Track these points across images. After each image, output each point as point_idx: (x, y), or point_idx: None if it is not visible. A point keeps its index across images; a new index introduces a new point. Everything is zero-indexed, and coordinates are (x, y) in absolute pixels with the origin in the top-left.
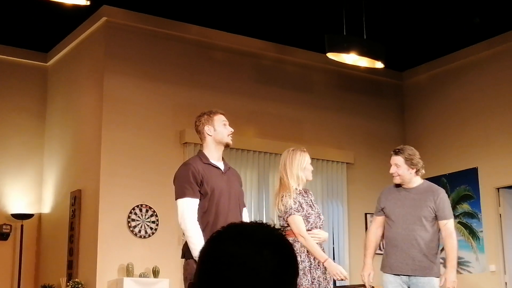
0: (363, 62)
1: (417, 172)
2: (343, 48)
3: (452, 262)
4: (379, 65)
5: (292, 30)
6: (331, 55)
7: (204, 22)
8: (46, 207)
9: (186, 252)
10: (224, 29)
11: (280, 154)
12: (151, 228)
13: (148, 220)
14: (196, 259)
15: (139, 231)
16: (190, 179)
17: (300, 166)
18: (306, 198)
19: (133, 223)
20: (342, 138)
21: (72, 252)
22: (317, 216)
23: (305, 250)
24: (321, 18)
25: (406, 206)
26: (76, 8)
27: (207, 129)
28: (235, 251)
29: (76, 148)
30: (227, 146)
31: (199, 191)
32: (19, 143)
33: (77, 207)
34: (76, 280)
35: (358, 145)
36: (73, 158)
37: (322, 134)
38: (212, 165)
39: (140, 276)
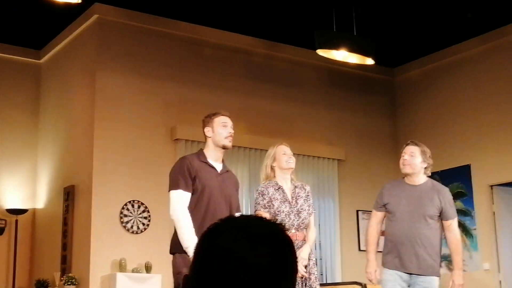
0: (353, 58)
1: (425, 169)
2: (333, 44)
3: (459, 264)
4: (369, 61)
5: (282, 27)
6: (321, 52)
7: (194, 19)
8: (40, 203)
9: (173, 246)
10: (214, 26)
11: None
12: (143, 224)
13: (140, 216)
14: (186, 250)
15: (131, 227)
16: (184, 172)
17: (268, 156)
18: (284, 194)
19: (125, 219)
20: (333, 134)
21: (65, 247)
22: (289, 214)
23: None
24: (311, 15)
25: (411, 203)
26: (69, 5)
27: (207, 130)
28: (231, 245)
29: (69, 144)
30: (224, 148)
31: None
32: (13, 139)
33: (70, 202)
34: (70, 274)
35: (349, 141)
36: (66, 154)
37: (313, 131)
38: (208, 165)
39: (133, 271)
